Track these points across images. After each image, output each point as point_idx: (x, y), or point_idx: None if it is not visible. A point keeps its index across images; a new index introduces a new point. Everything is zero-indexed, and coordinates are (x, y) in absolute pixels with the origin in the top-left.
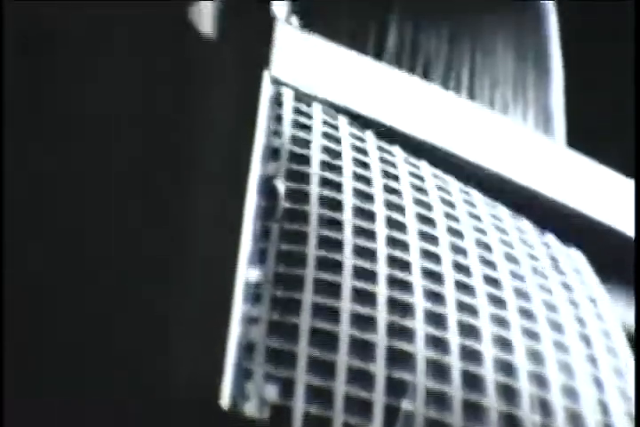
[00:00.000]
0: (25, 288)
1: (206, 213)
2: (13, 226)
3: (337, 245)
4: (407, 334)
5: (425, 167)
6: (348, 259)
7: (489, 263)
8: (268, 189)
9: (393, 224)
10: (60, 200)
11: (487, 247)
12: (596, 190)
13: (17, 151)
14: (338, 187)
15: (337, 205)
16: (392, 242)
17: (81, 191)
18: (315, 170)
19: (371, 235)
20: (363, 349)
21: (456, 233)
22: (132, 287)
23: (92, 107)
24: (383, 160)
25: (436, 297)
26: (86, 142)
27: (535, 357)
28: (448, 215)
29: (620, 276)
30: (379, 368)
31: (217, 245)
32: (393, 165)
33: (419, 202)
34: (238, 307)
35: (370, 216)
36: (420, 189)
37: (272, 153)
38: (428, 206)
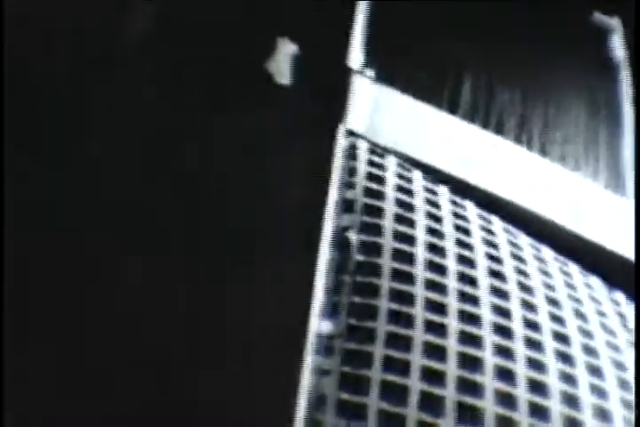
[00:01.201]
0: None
1: (280, 265)
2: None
3: (409, 299)
4: (477, 389)
5: (496, 222)
6: (420, 312)
7: (558, 320)
8: (341, 241)
9: (464, 278)
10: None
11: (556, 303)
12: None
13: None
14: (410, 240)
15: (409, 259)
16: (463, 296)
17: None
18: (388, 223)
19: (442, 289)
20: (433, 403)
21: (526, 289)
22: (207, 336)
23: (163, 155)
24: (456, 214)
25: (505, 352)
26: (154, 190)
27: (603, 415)
28: (519, 271)
29: None
30: (448, 424)
31: (290, 297)
32: (465, 219)
33: (490, 257)
34: (310, 359)
35: (441, 270)
36: (491, 244)
37: (346, 205)
38: (498, 261)
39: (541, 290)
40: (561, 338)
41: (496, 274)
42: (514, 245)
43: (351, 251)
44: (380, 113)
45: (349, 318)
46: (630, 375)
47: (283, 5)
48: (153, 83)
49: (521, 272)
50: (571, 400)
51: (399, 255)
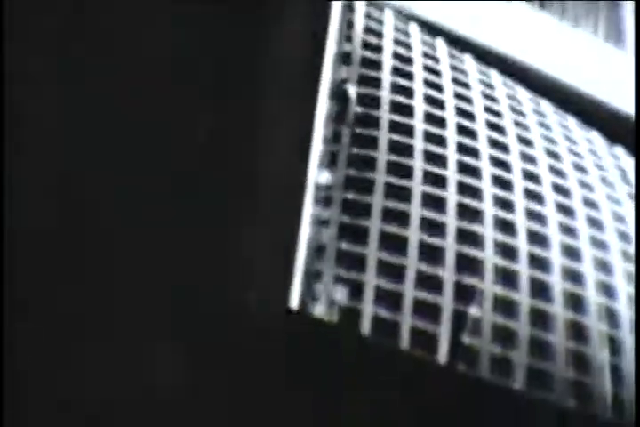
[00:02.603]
0: None
1: (278, 115)
2: None
3: (407, 150)
4: (476, 240)
5: (495, 76)
6: (419, 164)
7: (558, 172)
8: (339, 93)
9: (463, 131)
10: None
11: (556, 157)
12: None
13: None
14: (409, 93)
15: (408, 111)
16: (462, 148)
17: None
18: (386, 75)
19: (441, 141)
20: (432, 253)
21: (526, 142)
22: (204, 189)
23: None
24: (454, 68)
25: (505, 204)
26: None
27: (603, 266)
28: (518, 124)
29: None
30: (448, 273)
31: (288, 148)
32: (463, 72)
33: (489, 110)
34: (309, 209)
35: (440, 123)
36: (490, 98)
37: (344, 58)
38: (497, 114)
39: (541, 143)
40: (561, 191)
41: (495, 126)
42: (513, 98)
43: (349, 103)
44: None
45: (348, 168)
46: (630, 228)
47: None
48: None
49: (520, 125)
50: (571, 252)
51: (398, 107)
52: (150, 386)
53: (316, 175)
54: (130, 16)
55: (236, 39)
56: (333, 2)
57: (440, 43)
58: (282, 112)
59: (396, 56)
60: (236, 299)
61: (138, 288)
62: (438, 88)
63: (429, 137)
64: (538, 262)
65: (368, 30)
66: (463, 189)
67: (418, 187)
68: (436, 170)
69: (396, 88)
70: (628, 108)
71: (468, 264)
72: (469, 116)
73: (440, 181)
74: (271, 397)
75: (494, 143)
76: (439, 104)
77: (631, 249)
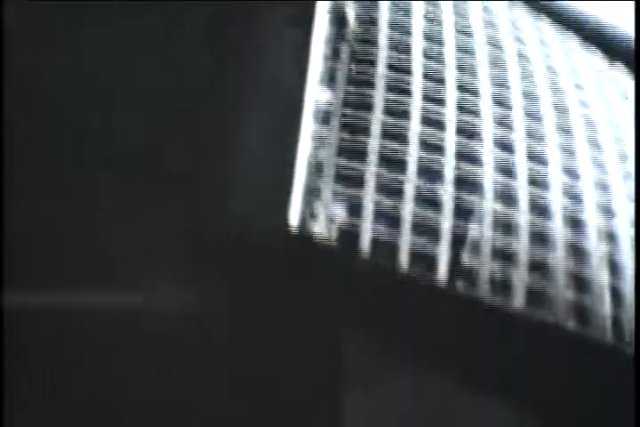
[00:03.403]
0: None
1: (275, 35)
2: None
3: (406, 69)
4: (475, 158)
5: None
6: (418, 82)
7: (557, 91)
8: (338, 14)
9: (462, 49)
10: None
11: (555, 74)
12: None
13: None
14: (407, 13)
15: (407, 31)
16: (462, 67)
17: None
18: None
19: (440, 60)
20: (431, 170)
21: (524, 57)
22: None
23: None
24: None
25: (505, 124)
26: None
27: (603, 188)
28: (517, 39)
29: None
30: (447, 192)
31: (287, 62)
32: None
33: (488, 23)
34: (308, 127)
35: (439, 42)
36: (488, 11)
37: None
38: (496, 30)
39: (540, 60)
40: (560, 110)
41: (493, 44)
42: (512, 15)
43: (347, 22)
44: None
45: (347, 86)
46: (629, 149)
47: None
48: None
49: (519, 40)
50: (570, 173)
51: (396, 27)
52: (151, 302)
53: (315, 93)
54: None
55: None
56: None
57: None
58: (278, 32)
59: None
60: (234, 214)
61: (135, 203)
62: (437, 6)
63: (429, 55)
64: (537, 182)
65: None
66: (463, 108)
67: (417, 105)
68: (436, 87)
69: (395, 8)
70: (628, 26)
71: (467, 182)
72: (468, 33)
73: (440, 100)
74: (271, 313)
75: (493, 61)
76: (438, 23)
77: (631, 170)
